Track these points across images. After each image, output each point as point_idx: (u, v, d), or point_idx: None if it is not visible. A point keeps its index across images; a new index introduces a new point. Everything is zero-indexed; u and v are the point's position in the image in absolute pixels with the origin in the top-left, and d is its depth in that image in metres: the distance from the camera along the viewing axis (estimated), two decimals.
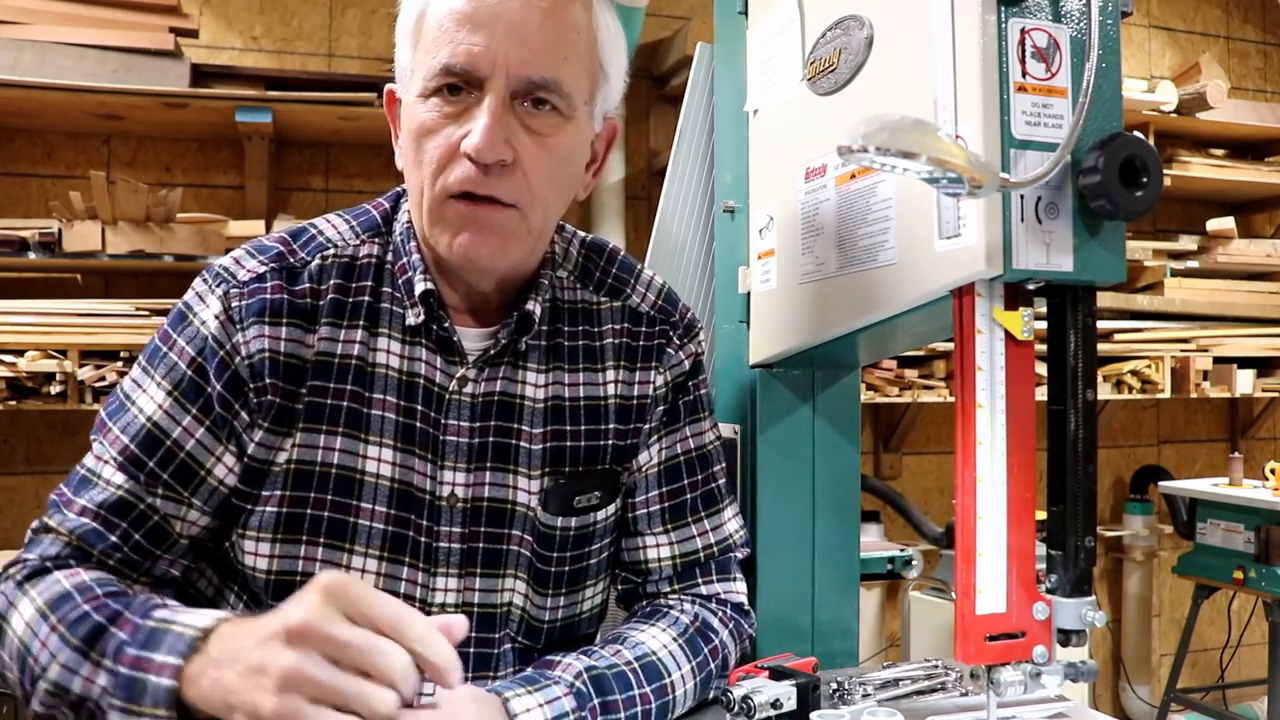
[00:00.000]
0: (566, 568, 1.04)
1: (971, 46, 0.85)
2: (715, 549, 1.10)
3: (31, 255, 2.33)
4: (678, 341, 1.09)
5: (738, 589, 1.11)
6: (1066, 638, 0.88)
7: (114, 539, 0.92)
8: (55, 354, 2.21)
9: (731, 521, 1.12)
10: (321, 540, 0.95)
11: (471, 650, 1.00)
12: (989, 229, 0.83)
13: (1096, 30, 0.82)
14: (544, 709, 0.86)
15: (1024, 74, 0.84)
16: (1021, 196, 0.82)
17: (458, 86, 0.91)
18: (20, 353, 2.21)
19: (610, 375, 1.05)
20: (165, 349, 0.96)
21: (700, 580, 1.09)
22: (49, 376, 2.23)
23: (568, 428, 1.03)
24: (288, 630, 0.69)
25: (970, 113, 0.85)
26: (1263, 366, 3.26)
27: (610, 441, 1.05)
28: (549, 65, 0.91)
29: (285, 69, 2.65)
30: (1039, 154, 0.83)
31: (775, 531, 1.22)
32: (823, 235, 1.07)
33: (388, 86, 1.02)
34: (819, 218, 1.08)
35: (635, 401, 1.06)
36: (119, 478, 0.93)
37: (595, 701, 0.90)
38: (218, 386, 0.94)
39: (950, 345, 0.94)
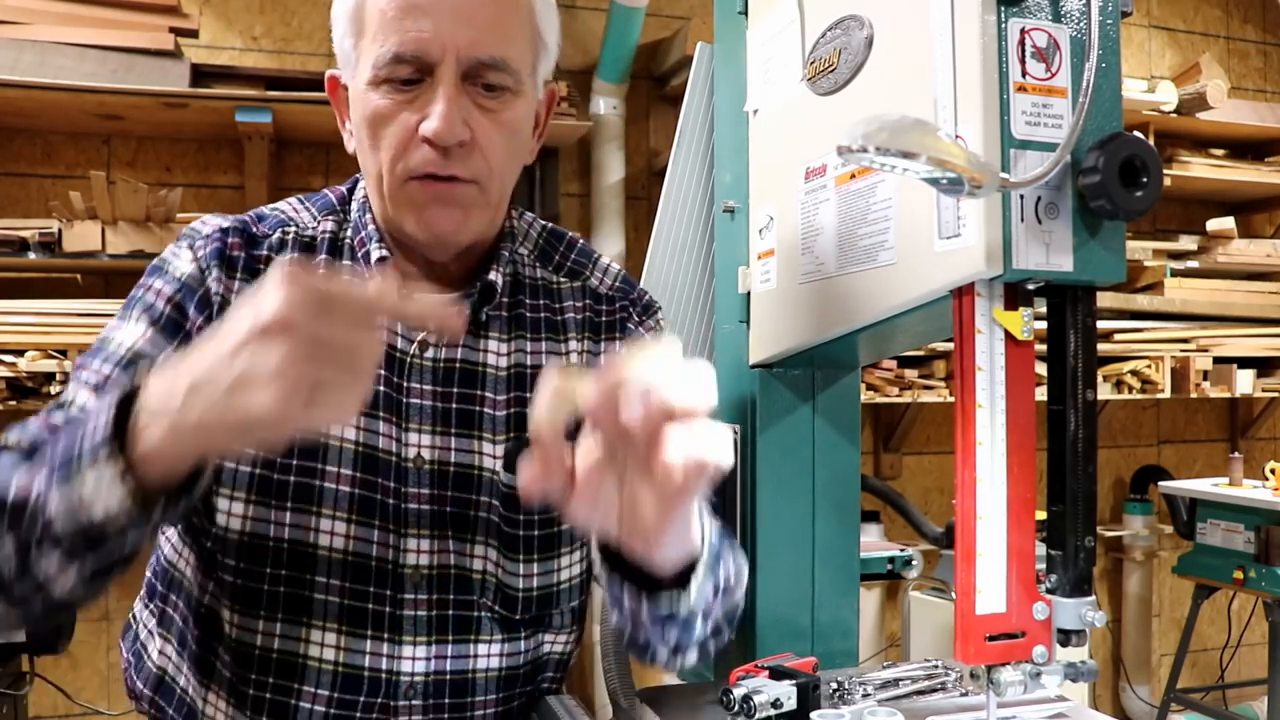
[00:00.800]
0: (536, 532, 1.03)
1: (971, 46, 0.85)
2: None
3: (31, 255, 2.33)
4: (637, 318, 1.11)
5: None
6: (1066, 638, 0.88)
7: None
8: (55, 354, 2.21)
9: None
10: (289, 504, 0.95)
11: (451, 613, 1.00)
12: (989, 229, 0.83)
13: (1096, 30, 0.82)
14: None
15: (1024, 74, 0.84)
16: (1021, 196, 0.82)
17: (409, 78, 0.93)
18: (20, 353, 2.21)
19: (574, 345, 1.07)
20: (142, 293, 0.98)
21: None
22: (49, 376, 2.23)
23: (529, 395, 1.03)
24: (267, 325, 0.64)
25: (970, 113, 0.85)
26: (1263, 366, 3.26)
27: None
28: (496, 44, 0.93)
29: (285, 69, 2.65)
30: (1039, 154, 0.83)
31: (775, 531, 1.22)
32: (823, 235, 1.07)
33: (329, 72, 1.03)
34: (819, 218, 1.08)
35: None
36: (95, 401, 0.90)
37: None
38: (199, 321, 0.95)
39: (950, 345, 0.94)
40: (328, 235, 1.03)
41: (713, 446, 0.67)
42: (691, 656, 0.97)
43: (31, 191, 2.62)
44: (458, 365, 1.01)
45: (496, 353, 1.03)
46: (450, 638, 0.99)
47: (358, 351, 0.66)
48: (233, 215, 1.03)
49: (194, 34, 2.58)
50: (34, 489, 0.73)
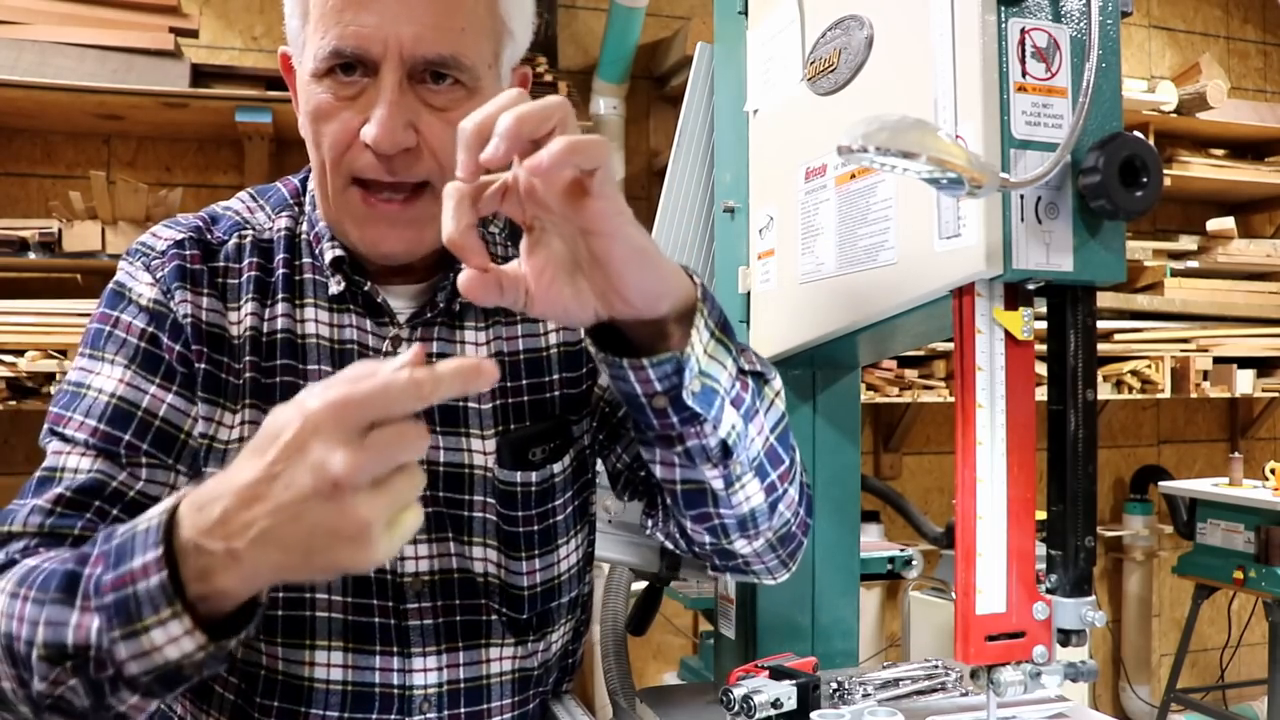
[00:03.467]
0: (535, 527, 0.99)
1: (971, 46, 0.85)
2: None
3: (31, 255, 2.33)
4: None
5: None
6: (1066, 638, 0.88)
7: (89, 516, 0.85)
8: (55, 354, 2.21)
9: None
10: None
11: (459, 619, 0.96)
12: (989, 229, 0.83)
13: (1096, 30, 0.82)
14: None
15: (1024, 74, 0.84)
16: (1021, 196, 0.82)
17: (351, 65, 0.87)
18: (20, 353, 2.21)
19: (551, 325, 1.02)
20: (109, 329, 0.93)
21: None
22: (49, 376, 2.23)
23: (510, 384, 1.00)
24: (334, 485, 0.60)
25: (970, 113, 0.85)
26: (1263, 366, 3.26)
27: (558, 392, 1.02)
28: (444, 41, 0.86)
29: None
30: (1039, 154, 0.83)
31: None
32: (823, 235, 1.07)
33: (281, 49, 0.97)
34: (819, 218, 1.08)
35: (580, 345, 1.02)
36: (86, 463, 0.87)
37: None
38: (176, 347, 0.92)
39: (950, 345, 0.94)
40: (284, 233, 0.98)
41: (578, 141, 0.68)
42: (753, 488, 0.89)
43: (31, 191, 2.62)
44: (433, 361, 0.97)
45: (474, 343, 1.00)
46: (460, 645, 0.96)
47: (412, 453, 0.63)
48: (184, 219, 0.98)
49: (194, 34, 2.58)
50: (91, 634, 0.68)
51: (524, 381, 1.01)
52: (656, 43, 2.98)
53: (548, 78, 2.68)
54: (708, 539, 0.95)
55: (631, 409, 0.84)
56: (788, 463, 0.94)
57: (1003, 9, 0.83)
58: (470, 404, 0.98)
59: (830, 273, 1.06)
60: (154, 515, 0.68)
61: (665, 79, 3.02)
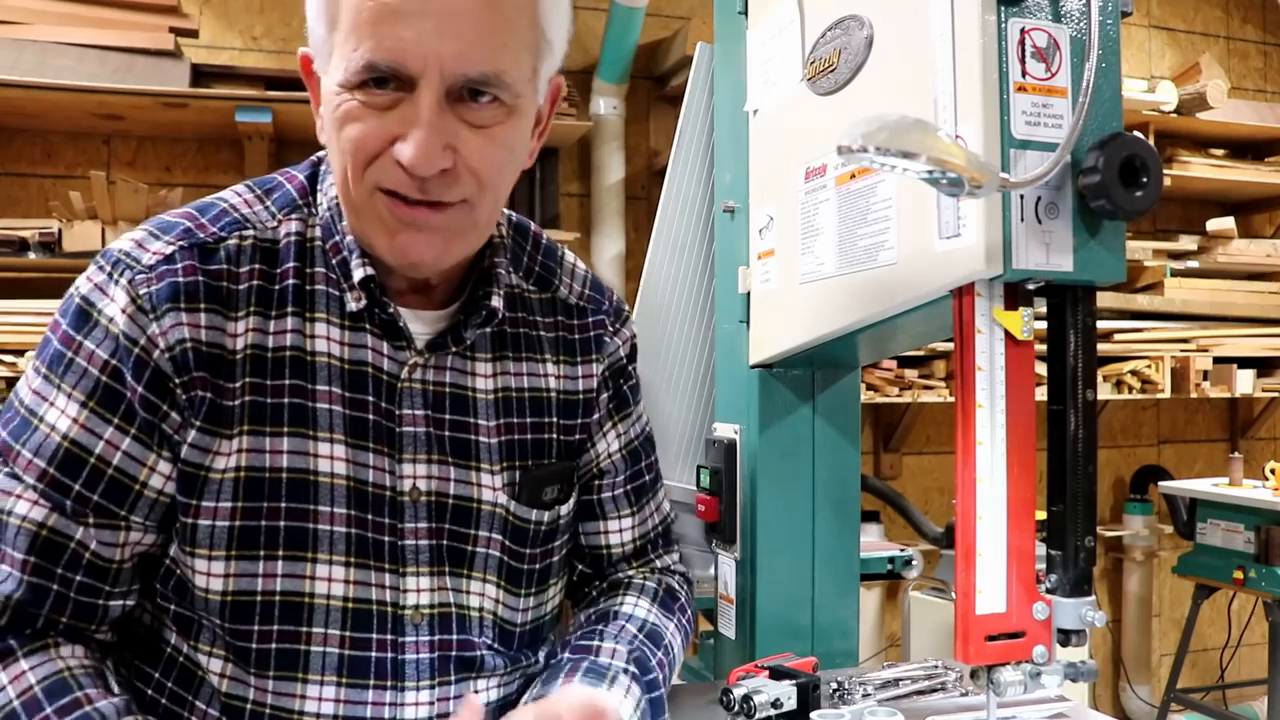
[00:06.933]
0: (538, 565, 1.00)
1: (971, 46, 0.85)
2: (661, 525, 1.13)
3: (31, 255, 2.33)
4: (612, 329, 1.06)
5: (679, 560, 1.16)
6: (1066, 638, 0.88)
7: (56, 589, 0.83)
8: None
9: (666, 500, 1.15)
10: (281, 553, 0.87)
11: (454, 654, 0.94)
12: (989, 229, 0.83)
13: (1096, 30, 0.82)
14: (625, 701, 0.90)
15: (1024, 74, 0.84)
16: (1021, 196, 0.82)
17: (384, 80, 0.80)
18: (20, 353, 2.21)
19: (551, 369, 1.01)
20: (70, 354, 0.86)
21: (653, 554, 1.12)
22: None
23: (515, 420, 0.99)
24: None
25: (970, 113, 0.85)
26: (1263, 366, 3.26)
27: (556, 435, 1.01)
28: (488, 58, 0.81)
29: (285, 69, 2.64)
30: (1039, 154, 0.83)
31: (775, 531, 1.22)
32: (823, 235, 1.07)
33: (301, 50, 0.90)
34: (819, 218, 1.08)
35: (580, 396, 1.03)
36: (37, 512, 0.83)
37: (643, 679, 0.95)
38: (139, 389, 0.85)
39: (950, 345, 0.94)
40: (293, 239, 0.91)
41: None
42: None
43: (31, 191, 2.62)
44: (448, 390, 0.94)
45: (484, 375, 0.97)
46: (453, 678, 0.94)
47: None
48: (170, 222, 0.89)
49: (194, 34, 2.58)
50: None
51: (528, 419, 1.00)
52: (656, 43, 2.98)
53: None
54: None
55: None
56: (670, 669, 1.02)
57: (1003, 9, 0.83)
58: (481, 438, 0.96)
59: (830, 273, 1.06)
60: None
61: (665, 79, 3.01)
